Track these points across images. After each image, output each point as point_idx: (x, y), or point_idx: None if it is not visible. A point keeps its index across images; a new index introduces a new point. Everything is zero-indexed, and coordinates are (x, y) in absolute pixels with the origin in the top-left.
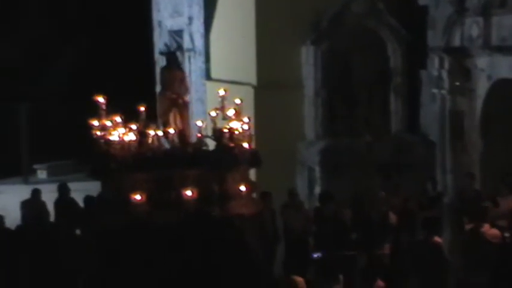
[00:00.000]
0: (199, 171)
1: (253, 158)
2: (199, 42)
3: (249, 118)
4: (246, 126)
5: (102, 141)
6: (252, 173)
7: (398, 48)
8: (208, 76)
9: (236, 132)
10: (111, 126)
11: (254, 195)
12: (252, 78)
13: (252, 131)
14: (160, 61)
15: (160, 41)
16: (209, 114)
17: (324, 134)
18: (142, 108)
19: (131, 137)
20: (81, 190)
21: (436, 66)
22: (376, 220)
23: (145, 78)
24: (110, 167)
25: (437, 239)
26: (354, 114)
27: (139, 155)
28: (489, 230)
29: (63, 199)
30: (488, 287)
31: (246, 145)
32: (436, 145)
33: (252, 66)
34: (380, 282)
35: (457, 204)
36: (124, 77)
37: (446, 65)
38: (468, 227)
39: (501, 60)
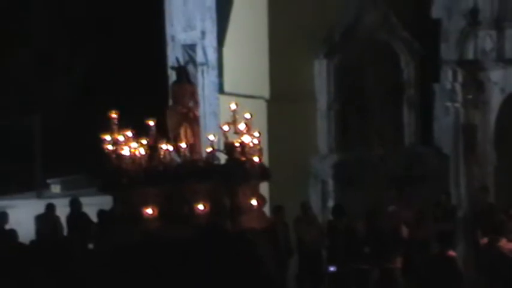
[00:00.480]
0: (211, 185)
1: (262, 172)
2: (212, 56)
3: (259, 132)
4: (256, 141)
5: (114, 155)
6: (265, 187)
7: (412, 61)
8: (221, 90)
9: (247, 146)
10: (123, 141)
11: (264, 209)
12: (265, 92)
13: (263, 145)
14: (174, 75)
15: (173, 54)
16: (221, 128)
17: (337, 147)
18: (151, 123)
19: (142, 151)
20: (95, 204)
21: (450, 79)
22: (388, 233)
23: (158, 92)
24: (121, 182)
25: (451, 252)
26: (366, 127)
27: (151, 170)
28: (506, 244)
29: (75, 214)
30: None
31: (256, 159)
32: (450, 158)
33: (264, 80)
34: None
35: (471, 217)
36: (137, 91)
37: (460, 78)
38: (484, 240)
39: None
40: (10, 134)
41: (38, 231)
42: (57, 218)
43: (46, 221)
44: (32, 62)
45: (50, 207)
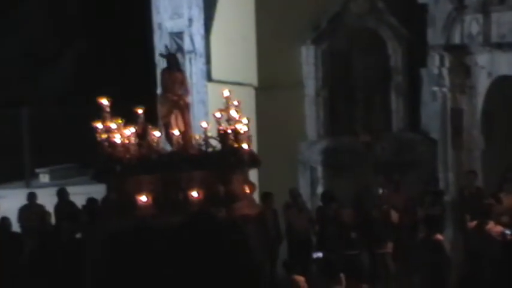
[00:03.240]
0: (205, 172)
1: (252, 159)
2: (199, 44)
3: (248, 119)
4: (245, 128)
5: (106, 143)
6: (255, 174)
7: (399, 47)
8: (209, 78)
9: (239, 133)
10: (115, 129)
11: (254, 195)
12: (253, 79)
13: (252, 132)
14: (161, 63)
15: (160, 43)
16: (214, 116)
17: (325, 133)
18: (140, 111)
19: (132, 139)
20: (84, 194)
21: (437, 64)
22: (378, 219)
23: (145, 80)
24: (115, 170)
25: (439, 236)
26: (355, 114)
27: (144, 157)
28: (494, 228)
29: (63, 203)
30: (491, 284)
31: (246, 146)
32: (437, 143)
33: (252, 67)
34: None
35: (459, 201)
36: (124, 79)
37: (447, 62)
38: (472, 224)
39: (501, 57)
40: None
41: (22, 224)
42: (42, 207)
43: (31, 211)
44: (19, 52)
45: (32, 196)
